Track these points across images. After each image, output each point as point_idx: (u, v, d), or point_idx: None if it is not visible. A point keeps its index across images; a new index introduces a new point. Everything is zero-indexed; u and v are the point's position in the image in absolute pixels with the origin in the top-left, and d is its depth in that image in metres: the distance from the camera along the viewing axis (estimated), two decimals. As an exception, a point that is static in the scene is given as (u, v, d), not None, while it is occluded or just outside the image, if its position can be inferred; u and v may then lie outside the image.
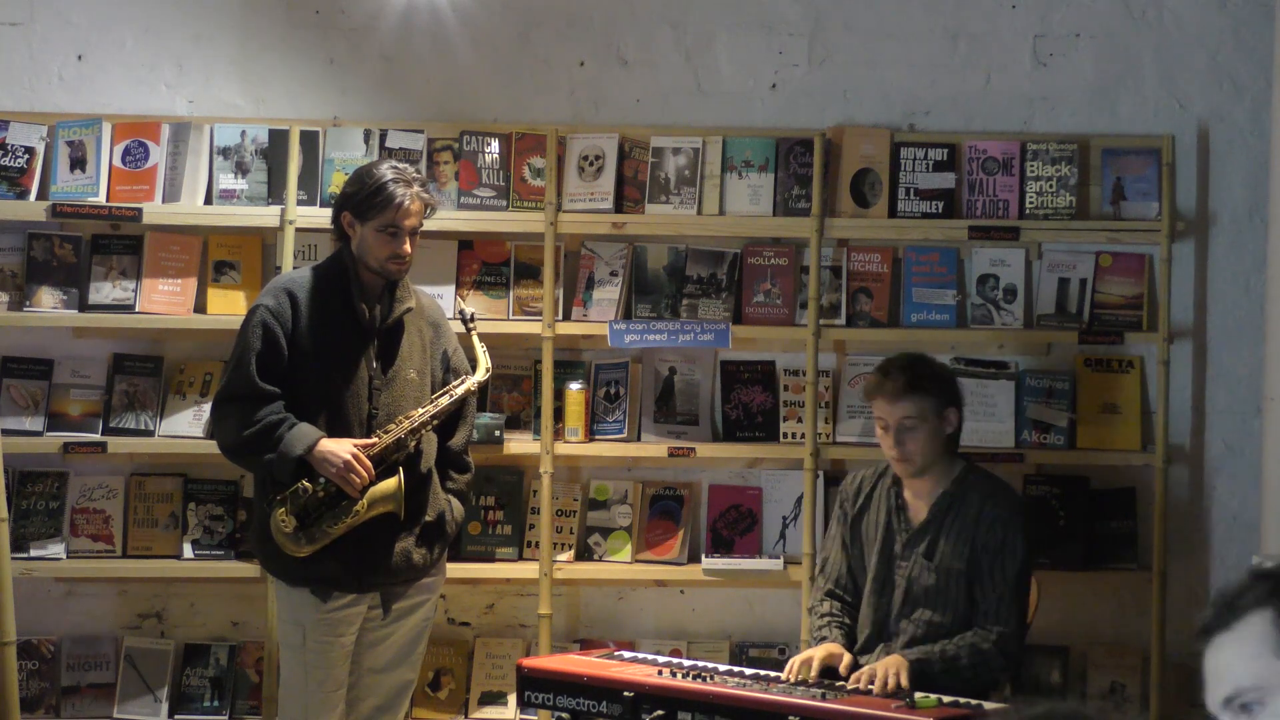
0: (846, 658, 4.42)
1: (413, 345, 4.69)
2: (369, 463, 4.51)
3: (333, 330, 4.60)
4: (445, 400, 4.66)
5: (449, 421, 4.75)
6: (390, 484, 4.56)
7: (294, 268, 5.23)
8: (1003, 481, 4.71)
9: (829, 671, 4.39)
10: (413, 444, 4.61)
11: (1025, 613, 4.53)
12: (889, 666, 4.26)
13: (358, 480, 4.50)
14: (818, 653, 4.40)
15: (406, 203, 4.59)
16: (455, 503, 4.78)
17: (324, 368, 4.59)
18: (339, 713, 4.64)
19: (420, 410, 4.62)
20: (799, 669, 4.36)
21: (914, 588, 4.50)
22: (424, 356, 4.71)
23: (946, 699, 4.14)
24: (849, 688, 4.23)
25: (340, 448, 4.50)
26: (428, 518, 4.67)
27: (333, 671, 4.61)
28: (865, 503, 4.64)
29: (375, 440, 4.55)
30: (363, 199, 4.60)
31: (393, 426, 4.58)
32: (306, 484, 4.51)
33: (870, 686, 4.21)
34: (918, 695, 4.12)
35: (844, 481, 4.78)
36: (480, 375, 4.77)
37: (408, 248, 4.61)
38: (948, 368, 4.79)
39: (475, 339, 4.82)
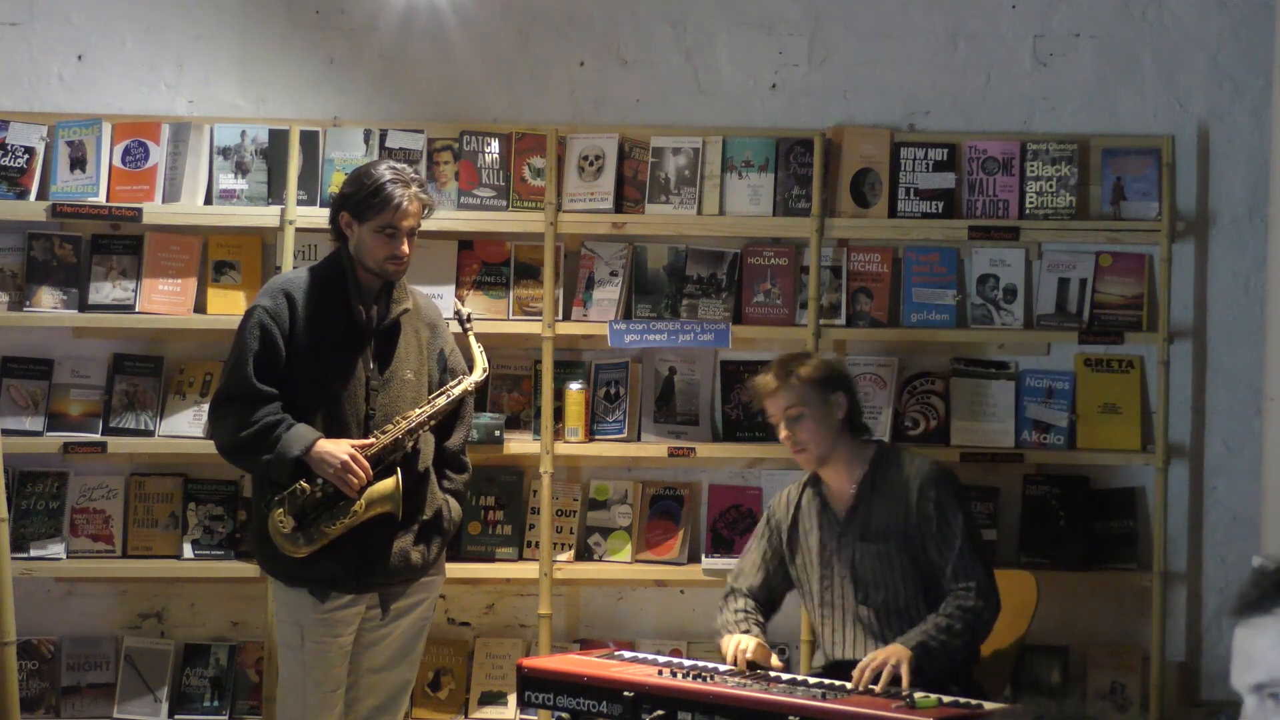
0: (775, 660, 4.47)
1: (409, 346, 4.69)
2: (366, 463, 4.51)
3: (330, 331, 4.60)
4: (442, 400, 4.66)
5: (446, 422, 4.74)
6: (388, 484, 4.55)
7: (294, 268, 5.23)
8: (916, 450, 4.73)
9: (754, 666, 4.42)
10: (410, 444, 4.60)
11: (987, 557, 4.53)
12: (889, 656, 4.25)
13: (355, 481, 4.49)
14: (751, 645, 4.43)
15: (404, 203, 4.59)
16: (453, 502, 4.77)
17: (321, 368, 4.59)
18: (337, 713, 4.64)
19: (417, 411, 4.62)
20: (734, 655, 4.41)
21: (859, 572, 4.52)
22: (421, 357, 4.71)
23: (946, 699, 4.14)
24: (850, 687, 4.22)
25: (338, 448, 4.50)
26: (425, 517, 4.67)
27: (331, 671, 4.61)
28: (796, 512, 4.66)
29: (373, 441, 4.55)
30: (361, 199, 4.59)
31: (390, 427, 4.57)
32: (304, 484, 4.51)
33: (873, 687, 4.21)
34: (917, 695, 4.12)
35: (773, 499, 4.79)
36: (477, 376, 4.76)
37: (405, 248, 4.60)
38: (829, 359, 4.75)
39: (472, 339, 4.81)
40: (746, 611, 4.62)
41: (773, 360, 4.69)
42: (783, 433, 4.57)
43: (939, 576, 4.47)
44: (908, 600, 4.49)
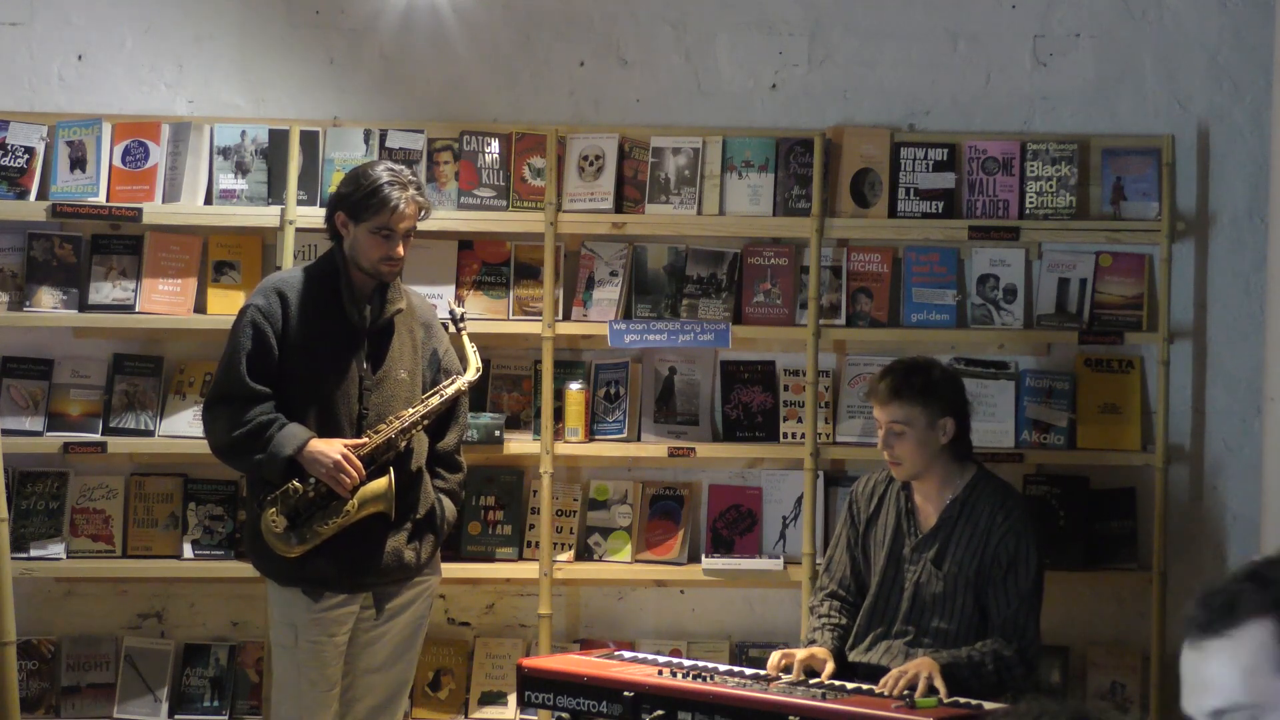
0: (830, 666, 4.45)
1: (403, 345, 4.69)
2: (359, 463, 4.51)
3: (323, 330, 4.61)
4: (435, 400, 4.66)
5: (440, 422, 4.74)
6: (380, 484, 4.56)
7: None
8: (1014, 490, 4.71)
9: (810, 674, 4.41)
10: (403, 444, 4.60)
11: (1038, 619, 4.53)
12: (920, 668, 4.25)
13: (348, 480, 4.50)
14: (800, 654, 4.43)
15: (401, 205, 4.59)
16: (447, 501, 4.77)
17: (314, 367, 4.59)
18: (332, 712, 4.64)
19: (410, 410, 4.62)
20: (779, 663, 4.39)
21: (921, 593, 4.50)
22: (415, 357, 4.71)
23: (946, 699, 4.14)
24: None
25: (330, 448, 4.50)
26: (418, 517, 4.68)
27: (325, 671, 4.61)
28: (879, 504, 4.66)
29: (365, 440, 4.56)
30: (357, 200, 4.60)
31: (383, 426, 4.58)
32: (297, 484, 4.51)
33: (882, 690, 4.21)
34: (917, 696, 4.12)
35: (856, 484, 4.79)
36: (470, 375, 4.76)
37: (400, 250, 4.61)
38: (952, 376, 4.72)
39: (465, 339, 4.81)
40: (828, 617, 4.62)
41: (896, 364, 4.67)
42: (881, 442, 4.57)
43: (989, 619, 4.47)
44: (957, 634, 4.48)
